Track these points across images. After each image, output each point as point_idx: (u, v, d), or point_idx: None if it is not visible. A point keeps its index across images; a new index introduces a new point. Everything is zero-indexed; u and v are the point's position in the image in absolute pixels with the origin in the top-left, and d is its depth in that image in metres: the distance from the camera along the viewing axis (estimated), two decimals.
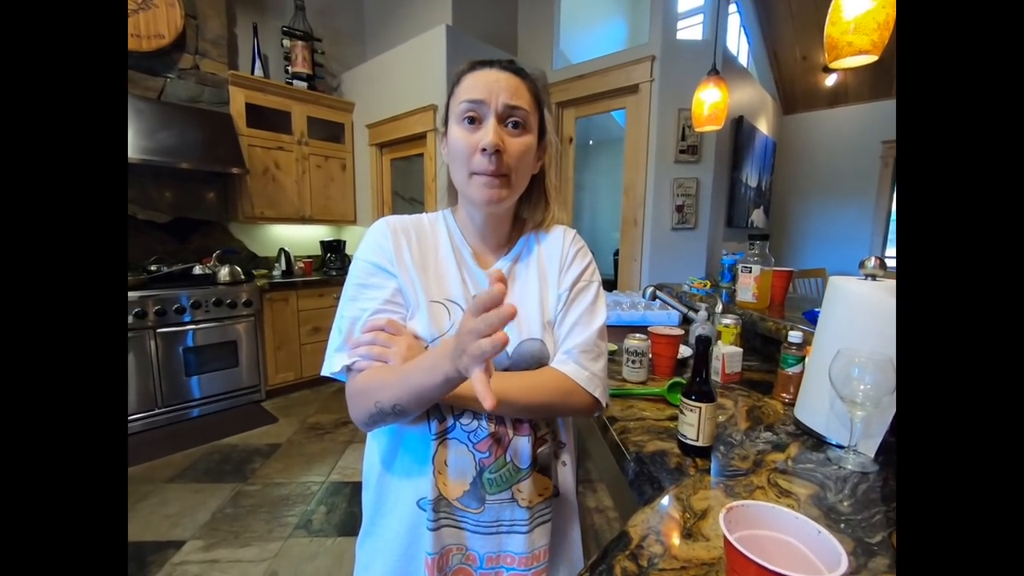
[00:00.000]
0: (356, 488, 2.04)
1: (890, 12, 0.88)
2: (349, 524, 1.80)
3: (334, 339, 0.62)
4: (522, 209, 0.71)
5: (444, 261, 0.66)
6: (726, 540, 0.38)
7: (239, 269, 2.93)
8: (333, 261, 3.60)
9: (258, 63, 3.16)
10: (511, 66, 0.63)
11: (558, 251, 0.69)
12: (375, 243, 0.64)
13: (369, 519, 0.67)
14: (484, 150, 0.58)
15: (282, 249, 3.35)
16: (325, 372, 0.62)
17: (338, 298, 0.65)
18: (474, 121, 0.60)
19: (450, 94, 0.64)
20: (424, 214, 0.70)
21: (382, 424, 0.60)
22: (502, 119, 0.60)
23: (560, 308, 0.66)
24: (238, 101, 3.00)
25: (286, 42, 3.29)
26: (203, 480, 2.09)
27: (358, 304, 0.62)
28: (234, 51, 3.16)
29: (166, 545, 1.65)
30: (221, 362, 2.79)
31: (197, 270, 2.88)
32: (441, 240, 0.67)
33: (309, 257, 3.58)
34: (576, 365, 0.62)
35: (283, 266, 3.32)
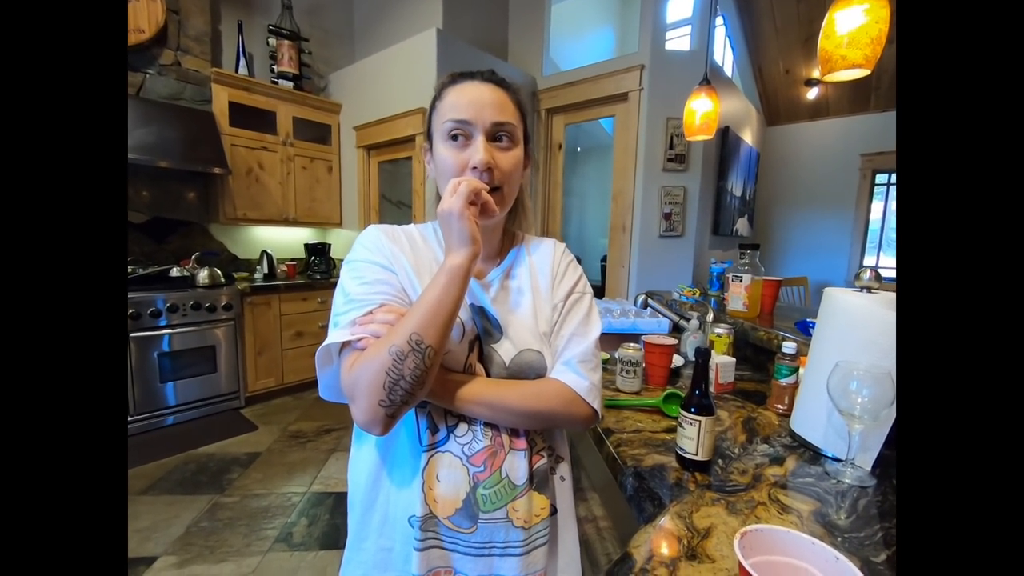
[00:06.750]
0: (339, 499, 1.98)
1: (883, 28, 0.90)
2: (331, 537, 1.74)
3: (342, 316, 0.56)
4: (511, 222, 0.71)
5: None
6: (741, 567, 0.37)
7: (219, 271, 2.84)
8: (318, 264, 3.52)
9: (243, 61, 3.09)
10: (494, 77, 0.62)
11: (549, 263, 0.68)
12: (372, 245, 0.62)
13: (354, 538, 0.63)
14: (475, 168, 0.58)
15: (264, 251, 3.26)
16: (319, 354, 0.56)
17: (323, 302, 0.62)
18: (461, 138, 0.59)
19: (432, 108, 0.63)
20: (412, 225, 0.69)
21: (399, 397, 0.51)
22: (490, 136, 0.59)
23: (556, 319, 0.65)
24: (221, 99, 2.93)
25: (272, 41, 3.22)
26: (177, 492, 2.00)
27: (372, 289, 0.58)
28: (218, 48, 3.08)
29: (137, 562, 1.57)
30: (198, 368, 2.69)
31: (175, 272, 2.78)
32: (434, 250, 0.66)
33: (292, 260, 3.50)
34: (576, 375, 0.61)
35: (265, 269, 3.23)
